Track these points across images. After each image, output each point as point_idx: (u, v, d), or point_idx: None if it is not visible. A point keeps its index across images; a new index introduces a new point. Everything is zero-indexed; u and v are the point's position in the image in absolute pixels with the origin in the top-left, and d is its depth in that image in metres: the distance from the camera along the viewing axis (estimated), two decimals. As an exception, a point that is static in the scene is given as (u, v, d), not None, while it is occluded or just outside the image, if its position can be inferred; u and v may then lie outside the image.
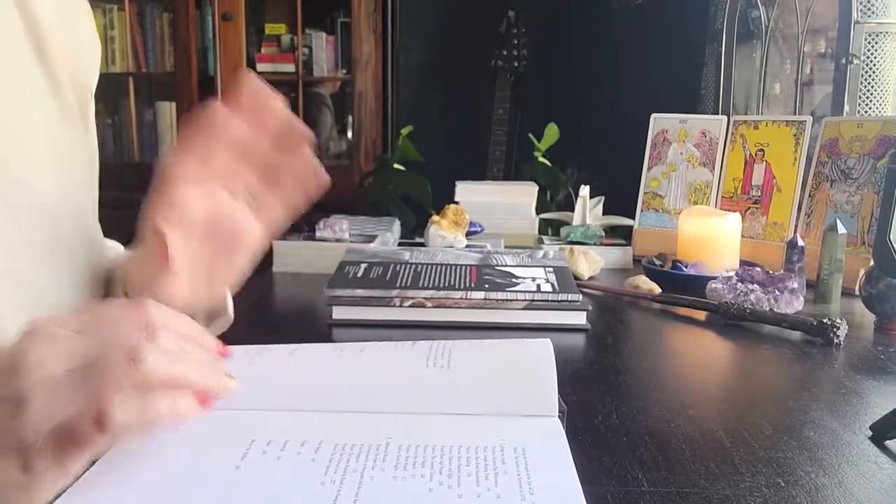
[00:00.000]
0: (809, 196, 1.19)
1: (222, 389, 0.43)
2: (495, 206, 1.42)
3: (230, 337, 0.59)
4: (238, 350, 0.55)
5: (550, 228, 1.59)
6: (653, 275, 1.08)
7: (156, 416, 0.38)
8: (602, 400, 0.62)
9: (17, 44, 0.61)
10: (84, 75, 0.69)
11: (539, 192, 1.49)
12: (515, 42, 2.73)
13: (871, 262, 0.88)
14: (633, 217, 1.39)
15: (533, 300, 0.85)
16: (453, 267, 0.93)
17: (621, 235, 1.41)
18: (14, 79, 0.60)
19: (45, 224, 0.61)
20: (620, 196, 1.47)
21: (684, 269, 1.10)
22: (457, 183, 1.46)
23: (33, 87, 0.62)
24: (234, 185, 0.54)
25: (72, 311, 0.42)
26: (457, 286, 0.87)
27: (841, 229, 0.99)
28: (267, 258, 1.16)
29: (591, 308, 0.86)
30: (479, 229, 1.30)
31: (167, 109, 2.96)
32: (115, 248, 0.71)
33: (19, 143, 0.59)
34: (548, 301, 0.85)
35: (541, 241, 1.31)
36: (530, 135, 2.44)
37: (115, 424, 0.36)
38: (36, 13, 0.62)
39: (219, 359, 0.44)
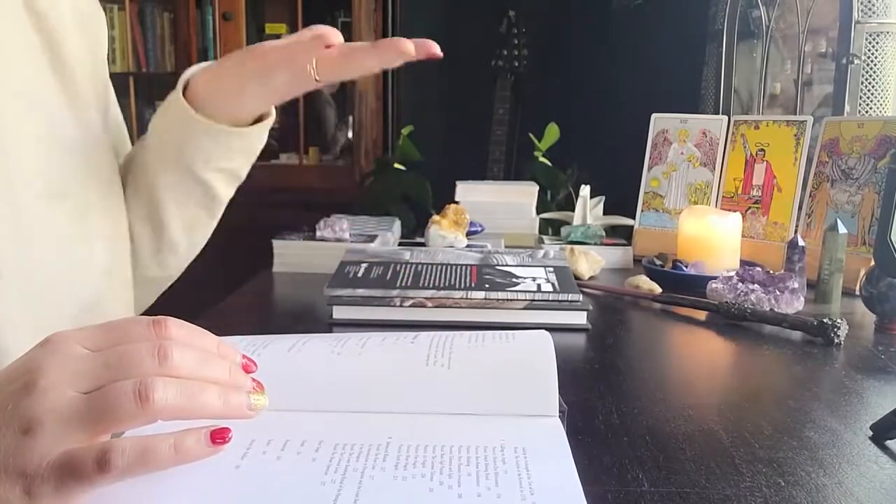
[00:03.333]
0: (810, 196, 1.19)
1: (245, 411, 0.42)
2: (496, 205, 1.42)
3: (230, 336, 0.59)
4: (239, 343, 0.55)
5: (551, 228, 1.59)
6: (653, 275, 1.08)
7: (159, 462, 0.37)
8: (602, 400, 0.62)
9: (29, 46, 0.61)
10: (97, 71, 0.69)
11: (539, 191, 1.49)
12: (515, 42, 2.73)
13: (872, 262, 0.88)
14: (633, 217, 1.39)
15: (533, 300, 0.85)
16: (454, 267, 0.93)
17: (622, 235, 1.41)
18: (26, 80, 0.61)
19: (47, 223, 0.61)
20: (621, 196, 1.47)
21: (685, 268, 1.10)
22: (457, 183, 1.46)
23: (45, 87, 0.63)
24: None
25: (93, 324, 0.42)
26: (457, 286, 0.87)
27: (841, 229, 0.99)
28: (267, 258, 1.16)
29: (591, 308, 0.86)
30: (479, 229, 1.30)
31: (167, 109, 2.96)
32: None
33: (27, 143, 0.59)
34: (548, 301, 0.85)
35: (541, 241, 1.31)
36: (530, 135, 2.44)
37: (116, 469, 0.36)
38: (49, 18, 0.63)
39: (244, 374, 0.44)
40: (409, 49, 0.60)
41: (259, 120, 0.70)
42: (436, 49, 0.62)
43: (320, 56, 0.63)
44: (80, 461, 0.36)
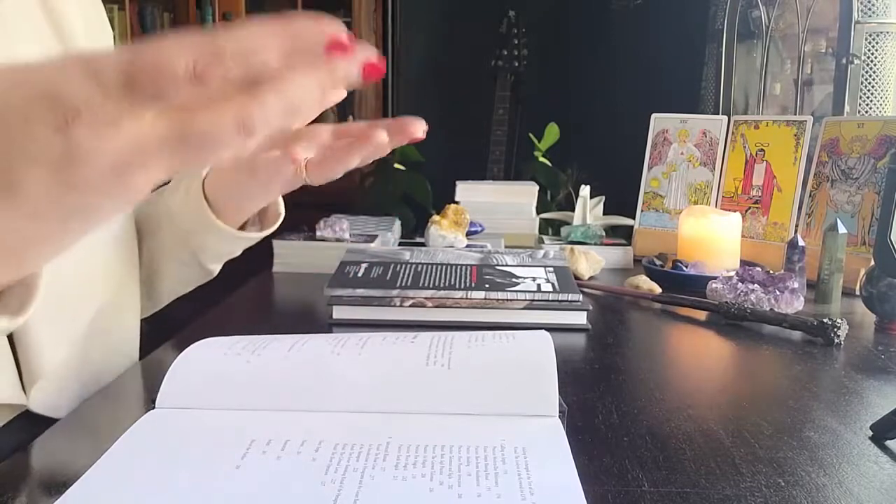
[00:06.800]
0: (810, 196, 1.19)
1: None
2: (496, 205, 1.42)
3: (231, 336, 0.59)
4: (238, 345, 0.55)
5: (551, 228, 1.60)
6: (653, 275, 1.08)
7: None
8: (602, 400, 0.62)
9: (42, 37, 0.62)
10: None
11: (539, 191, 1.49)
12: (515, 42, 2.73)
13: (872, 262, 0.88)
14: (633, 217, 1.39)
15: (533, 300, 0.85)
16: (454, 267, 0.93)
17: (622, 235, 1.41)
18: None
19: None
20: (621, 196, 1.48)
21: (685, 268, 1.10)
22: (457, 183, 1.46)
23: None
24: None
25: None
26: (457, 286, 0.87)
27: (841, 229, 0.99)
28: (267, 258, 1.16)
29: (591, 308, 0.86)
30: (479, 229, 1.30)
31: (167, 109, 2.96)
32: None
33: None
34: (548, 301, 0.85)
35: (541, 241, 1.31)
36: (530, 135, 2.44)
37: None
38: (64, 27, 0.63)
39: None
40: (384, 139, 0.57)
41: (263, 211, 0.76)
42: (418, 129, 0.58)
43: (308, 162, 0.63)
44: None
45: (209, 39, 0.30)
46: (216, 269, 0.79)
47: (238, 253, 0.78)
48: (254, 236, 0.75)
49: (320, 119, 0.64)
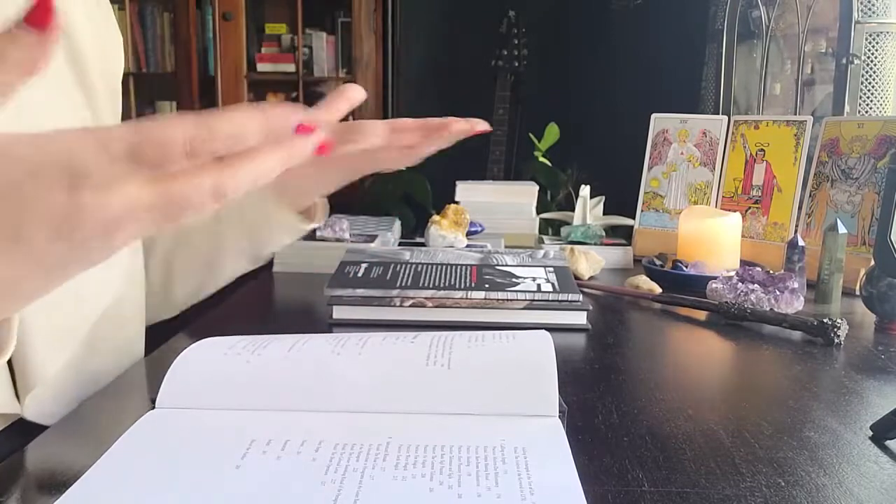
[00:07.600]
0: (810, 196, 1.19)
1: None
2: (496, 205, 1.42)
3: (230, 335, 0.59)
4: (238, 345, 0.55)
5: (551, 228, 1.60)
6: (653, 275, 1.08)
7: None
8: (602, 400, 0.62)
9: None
10: (113, 74, 0.70)
11: (539, 191, 1.49)
12: (515, 42, 2.73)
13: (872, 262, 0.88)
14: (633, 217, 1.39)
15: (533, 300, 0.85)
16: (454, 267, 0.93)
17: (622, 235, 1.41)
18: (47, 85, 0.61)
19: None
20: (620, 196, 1.48)
21: (685, 269, 1.10)
22: (457, 183, 1.46)
23: (65, 90, 0.63)
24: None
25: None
26: (457, 286, 0.87)
27: (841, 229, 0.99)
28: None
29: (591, 308, 0.86)
30: (479, 229, 1.30)
31: (168, 109, 2.97)
32: None
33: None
34: (548, 301, 0.85)
35: (541, 241, 1.31)
36: (530, 135, 2.44)
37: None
38: (67, 19, 0.63)
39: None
40: (464, 126, 0.68)
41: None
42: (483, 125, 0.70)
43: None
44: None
45: (206, 122, 0.35)
46: (269, 257, 0.85)
47: (287, 243, 0.83)
48: (309, 227, 0.80)
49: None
